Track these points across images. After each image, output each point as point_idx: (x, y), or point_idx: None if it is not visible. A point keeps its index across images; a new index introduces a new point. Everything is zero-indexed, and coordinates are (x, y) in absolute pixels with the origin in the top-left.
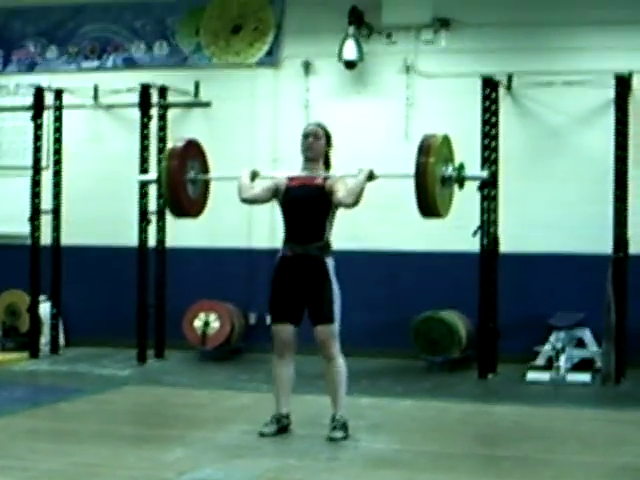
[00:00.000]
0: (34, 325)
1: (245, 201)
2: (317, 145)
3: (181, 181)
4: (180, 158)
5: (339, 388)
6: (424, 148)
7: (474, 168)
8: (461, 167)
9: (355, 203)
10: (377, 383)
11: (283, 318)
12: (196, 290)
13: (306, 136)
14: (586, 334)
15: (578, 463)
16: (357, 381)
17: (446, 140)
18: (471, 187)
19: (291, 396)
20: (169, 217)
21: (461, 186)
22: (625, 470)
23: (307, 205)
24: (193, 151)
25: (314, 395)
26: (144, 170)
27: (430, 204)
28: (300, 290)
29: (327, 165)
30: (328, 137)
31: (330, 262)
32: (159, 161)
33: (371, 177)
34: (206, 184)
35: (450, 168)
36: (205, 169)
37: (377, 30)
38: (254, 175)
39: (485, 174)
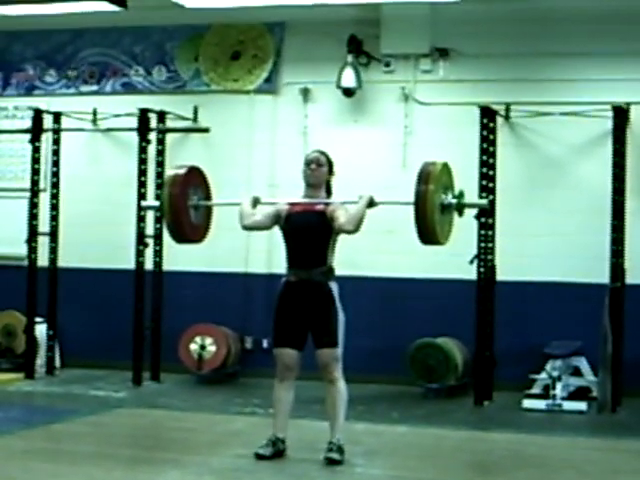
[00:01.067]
0: (30, 346)
1: (246, 228)
2: (319, 172)
3: (183, 207)
4: (182, 185)
5: (339, 412)
6: (424, 176)
7: (472, 197)
8: (461, 195)
9: (356, 229)
10: (373, 409)
11: (287, 343)
12: (192, 314)
13: (309, 163)
14: (582, 363)
15: None
16: (353, 407)
17: (445, 168)
18: (468, 215)
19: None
20: (166, 240)
21: (460, 214)
22: None
23: (310, 231)
24: (195, 177)
25: (310, 420)
26: (142, 195)
27: (430, 231)
28: (305, 315)
29: (328, 192)
30: (330, 165)
31: (334, 287)
32: (157, 185)
33: (372, 204)
34: (208, 210)
35: (450, 196)
36: (207, 195)
37: (376, 59)
38: (255, 202)
39: (484, 202)
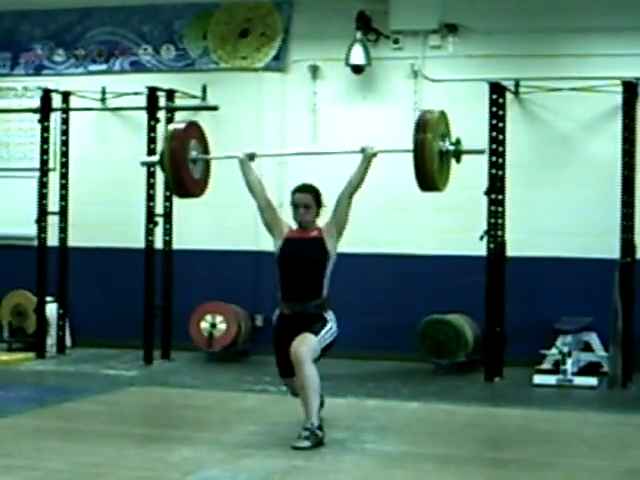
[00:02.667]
0: (41, 326)
1: (248, 184)
2: (309, 215)
3: (183, 161)
4: (182, 139)
5: (311, 395)
6: (422, 124)
7: (481, 174)
8: (458, 142)
9: (360, 182)
10: (384, 385)
11: (290, 373)
12: (203, 292)
13: (296, 206)
14: (593, 338)
15: (584, 466)
16: (364, 383)
17: (443, 116)
18: (478, 191)
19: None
20: (176, 219)
21: (458, 160)
22: (631, 474)
23: (305, 261)
24: (194, 132)
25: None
26: (151, 174)
27: (429, 179)
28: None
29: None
30: (318, 199)
31: (330, 316)
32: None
33: (371, 155)
34: (207, 164)
35: (447, 143)
36: (206, 150)
37: (384, 35)
38: (252, 157)
39: (482, 148)
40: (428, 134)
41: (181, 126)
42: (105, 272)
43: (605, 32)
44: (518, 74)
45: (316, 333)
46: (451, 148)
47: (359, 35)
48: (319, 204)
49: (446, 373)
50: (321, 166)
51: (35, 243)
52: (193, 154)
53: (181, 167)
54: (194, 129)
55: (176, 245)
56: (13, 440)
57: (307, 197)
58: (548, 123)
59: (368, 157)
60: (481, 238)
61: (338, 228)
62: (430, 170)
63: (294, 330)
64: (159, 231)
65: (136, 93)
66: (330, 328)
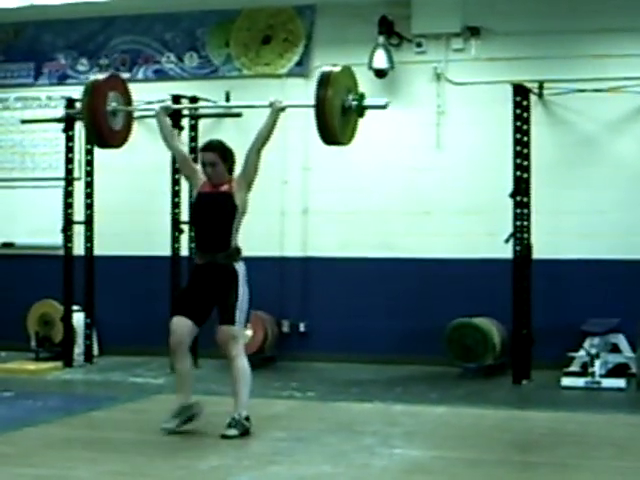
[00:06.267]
0: (68, 335)
1: (168, 144)
2: (217, 172)
3: (102, 112)
4: (100, 90)
5: (240, 387)
6: (324, 80)
7: (506, 176)
8: (361, 97)
9: (266, 140)
10: (411, 390)
11: (182, 312)
12: None
13: (203, 164)
14: (620, 340)
15: (614, 468)
16: (391, 388)
17: (347, 70)
18: (504, 194)
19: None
20: None
21: (361, 115)
22: None
23: (213, 214)
24: (114, 84)
25: (347, 402)
26: (176, 181)
27: (331, 133)
28: (208, 293)
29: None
30: (225, 155)
31: (240, 268)
32: None
33: (280, 109)
34: (129, 117)
35: (351, 97)
36: (127, 101)
37: (407, 39)
38: (167, 109)
39: (383, 102)
40: (329, 90)
41: (101, 77)
42: (131, 280)
43: (627, 32)
44: (541, 76)
45: (233, 317)
46: (354, 103)
47: (382, 39)
48: (225, 159)
49: (474, 377)
50: (345, 171)
51: (61, 252)
52: (113, 105)
53: (99, 118)
54: (114, 81)
55: None
56: (41, 450)
57: (212, 155)
58: (572, 124)
59: (275, 110)
60: (507, 241)
61: (247, 181)
62: (331, 125)
63: (206, 284)
64: (184, 238)
65: (160, 101)
66: (242, 294)
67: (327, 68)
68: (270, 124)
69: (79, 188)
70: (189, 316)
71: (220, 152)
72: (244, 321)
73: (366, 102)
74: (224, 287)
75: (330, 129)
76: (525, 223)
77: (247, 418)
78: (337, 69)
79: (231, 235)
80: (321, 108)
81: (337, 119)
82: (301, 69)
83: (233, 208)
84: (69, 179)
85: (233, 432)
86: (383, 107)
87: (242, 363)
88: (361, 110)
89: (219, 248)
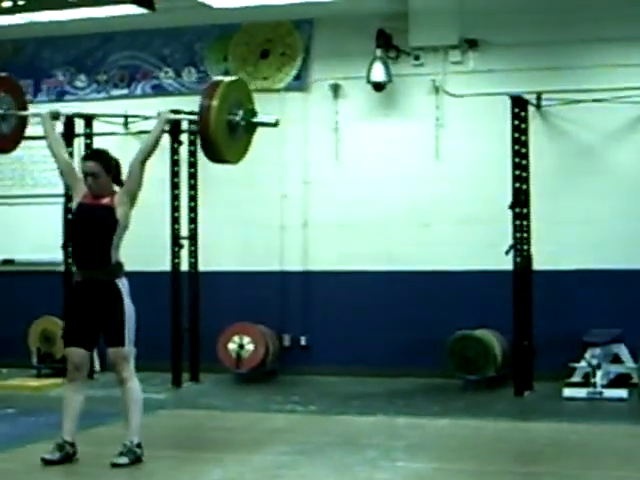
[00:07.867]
0: None
1: (52, 150)
2: (98, 183)
3: None
4: None
5: (132, 412)
6: (208, 91)
7: (505, 188)
8: (252, 112)
9: (150, 151)
10: (413, 402)
11: (75, 342)
12: (230, 313)
13: (85, 175)
14: (622, 350)
15: (616, 478)
16: (393, 401)
17: (235, 84)
18: (503, 205)
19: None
20: (201, 241)
21: (252, 132)
22: None
23: (92, 228)
24: (4, 87)
25: (349, 415)
26: (175, 196)
27: (213, 148)
28: (93, 314)
29: (119, 183)
30: (109, 166)
31: (122, 283)
32: (190, 186)
33: (166, 120)
34: (21, 120)
35: (240, 112)
36: (23, 107)
37: (405, 52)
38: (55, 116)
39: (273, 120)
40: (213, 101)
41: None
42: (131, 295)
43: (624, 42)
44: (539, 87)
45: (122, 337)
46: (241, 119)
47: (379, 52)
48: (109, 171)
49: (475, 389)
50: (344, 185)
51: (61, 269)
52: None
53: None
54: (4, 83)
55: (202, 267)
56: (44, 466)
57: (93, 165)
58: (571, 135)
59: (162, 121)
60: (507, 252)
61: (130, 194)
62: (213, 139)
63: (89, 305)
64: (184, 253)
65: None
66: (128, 311)
67: (218, 78)
68: (155, 135)
69: None
70: (81, 345)
71: (103, 162)
72: (134, 338)
73: (257, 119)
74: (108, 306)
75: (212, 144)
76: (525, 234)
77: (139, 445)
78: (228, 79)
79: (111, 250)
80: (203, 119)
81: (221, 133)
82: (299, 83)
83: (114, 222)
84: (69, 195)
85: (124, 460)
86: (274, 125)
87: (134, 386)
88: (250, 127)
89: (98, 264)
